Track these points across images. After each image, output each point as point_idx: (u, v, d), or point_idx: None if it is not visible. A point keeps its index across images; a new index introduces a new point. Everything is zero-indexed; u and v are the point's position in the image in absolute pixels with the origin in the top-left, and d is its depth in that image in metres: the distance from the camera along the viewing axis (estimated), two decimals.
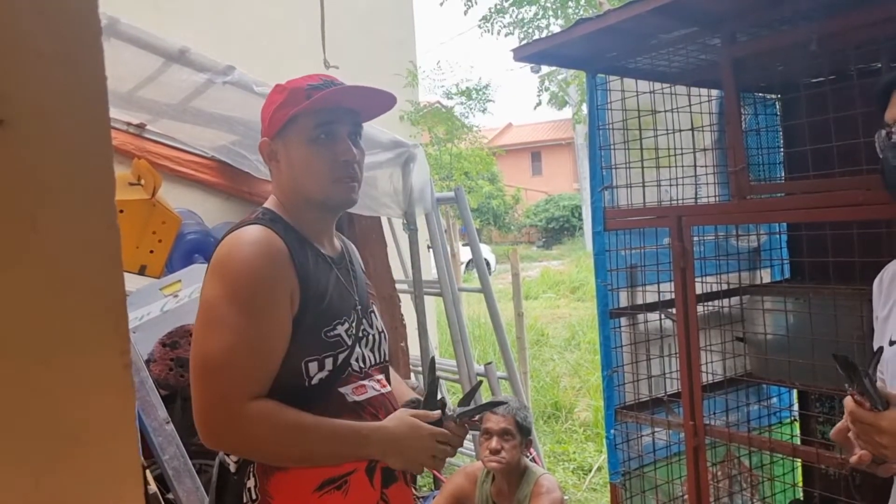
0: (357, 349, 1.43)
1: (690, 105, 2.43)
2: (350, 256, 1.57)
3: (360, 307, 1.48)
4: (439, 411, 1.44)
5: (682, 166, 2.50)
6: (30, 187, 0.73)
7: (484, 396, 3.77)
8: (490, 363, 3.92)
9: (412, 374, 4.15)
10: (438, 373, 4.26)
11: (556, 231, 23.80)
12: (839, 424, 1.31)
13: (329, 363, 1.38)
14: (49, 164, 0.75)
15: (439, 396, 1.48)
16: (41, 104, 0.74)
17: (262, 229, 1.36)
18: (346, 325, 1.43)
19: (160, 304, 3.00)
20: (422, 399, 1.53)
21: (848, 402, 1.24)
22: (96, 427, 0.78)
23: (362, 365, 1.45)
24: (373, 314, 1.54)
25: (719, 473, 2.62)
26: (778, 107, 2.90)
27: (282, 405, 1.30)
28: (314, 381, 1.35)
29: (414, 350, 4.06)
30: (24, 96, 0.73)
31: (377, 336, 1.53)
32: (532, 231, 24.43)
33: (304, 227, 1.44)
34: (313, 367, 1.36)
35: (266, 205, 1.48)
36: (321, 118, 1.40)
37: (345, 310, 1.44)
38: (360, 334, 1.46)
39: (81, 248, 0.77)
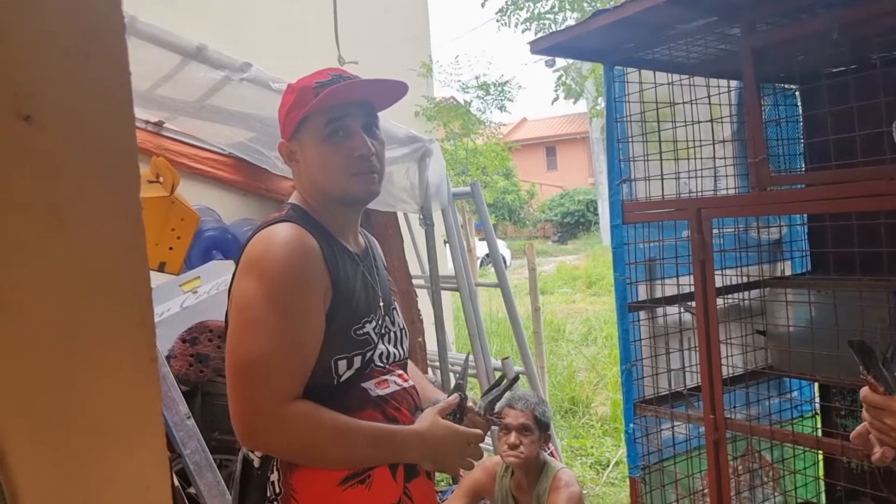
0: (381, 346, 1.43)
1: (709, 96, 2.40)
2: (374, 252, 1.57)
3: (383, 304, 1.48)
4: (457, 396, 1.47)
5: (701, 158, 2.47)
6: (56, 183, 0.74)
7: None
8: (507, 358, 3.91)
9: (429, 369, 4.16)
10: (454, 367, 4.26)
11: (572, 226, 23.73)
12: (859, 428, 1.29)
13: (357, 361, 1.38)
14: (75, 160, 0.76)
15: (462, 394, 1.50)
16: (67, 101, 0.74)
17: (294, 227, 1.35)
18: (374, 323, 1.43)
19: (180, 300, 3.02)
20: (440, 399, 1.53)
21: (863, 389, 1.23)
22: (124, 420, 0.79)
23: (385, 361, 1.44)
24: (395, 311, 1.54)
25: (740, 467, 2.61)
26: (798, 97, 2.86)
27: (319, 406, 1.30)
28: (342, 379, 1.36)
29: (431, 345, 4.06)
30: (50, 93, 0.73)
31: (399, 333, 1.53)
32: (547, 226, 24.37)
33: (331, 223, 1.44)
34: (342, 365, 1.35)
35: (292, 200, 1.47)
36: (331, 115, 1.39)
37: (372, 307, 1.44)
38: (384, 331, 1.46)
39: (107, 243, 0.78)
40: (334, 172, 1.40)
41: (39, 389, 0.73)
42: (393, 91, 1.46)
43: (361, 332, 1.39)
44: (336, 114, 1.39)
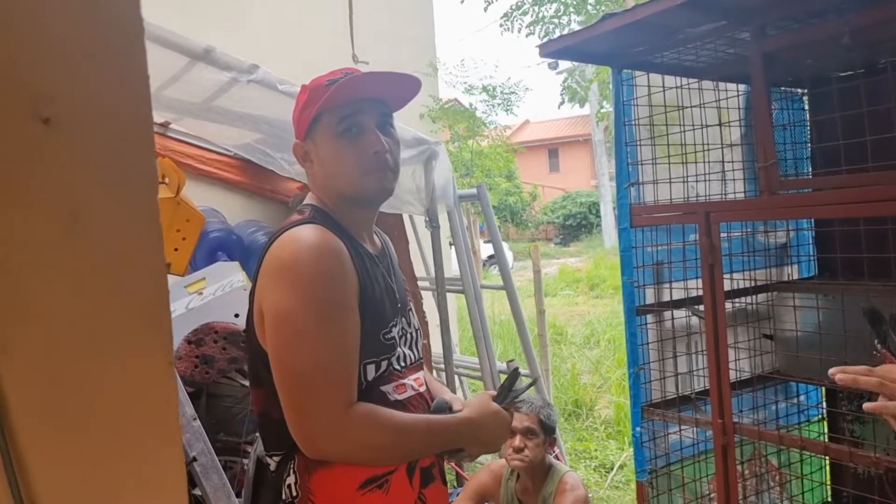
0: (398, 349, 1.42)
1: (718, 100, 2.40)
2: (390, 252, 1.56)
3: (400, 305, 1.47)
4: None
5: (708, 162, 2.47)
6: (74, 186, 0.74)
7: None
8: (512, 360, 3.91)
9: (434, 372, 4.15)
10: (458, 370, 4.26)
11: (574, 228, 23.73)
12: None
13: (384, 365, 1.37)
14: (93, 163, 0.75)
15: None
16: (85, 104, 0.74)
17: (319, 229, 1.32)
18: (399, 327, 1.42)
19: (185, 301, 3.02)
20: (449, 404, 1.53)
21: (883, 367, 1.23)
22: (142, 422, 0.78)
23: (403, 364, 1.43)
24: (410, 312, 1.53)
25: (746, 472, 2.60)
26: (805, 101, 2.86)
27: (376, 407, 1.30)
28: (369, 383, 1.35)
29: (436, 347, 4.06)
30: (69, 96, 0.73)
31: (414, 334, 1.52)
32: (549, 228, 24.37)
33: (349, 224, 1.42)
34: (371, 369, 1.34)
35: (309, 201, 1.45)
36: (344, 112, 1.37)
37: (395, 310, 1.43)
38: (401, 333, 1.45)
39: (125, 245, 0.78)
40: (348, 169, 1.38)
41: (58, 392, 0.73)
42: (406, 87, 1.44)
43: (389, 336, 1.38)
44: (349, 111, 1.37)
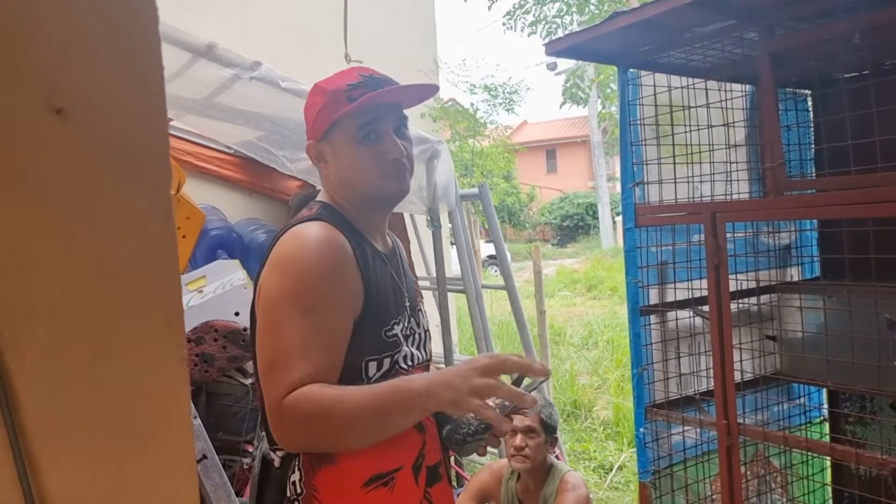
0: (405, 348, 1.42)
1: (723, 101, 2.39)
2: (399, 253, 1.56)
3: (409, 305, 1.48)
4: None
5: (713, 162, 2.46)
6: (87, 179, 0.73)
7: None
8: None
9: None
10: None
11: (571, 229, 23.77)
12: None
13: (387, 363, 1.37)
14: (106, 156, 0.74)
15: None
16: (99, 95, 0.73)
17: (325, 226, 1.34)
18: (401, 325, 1.42)
19: (185, 299, 3.01)
20: None
21: None
22: (154, 420, 0.77)
23: (410, 363, 1.44)
24: (420, 312, 1.54)
25: (748, 473, 2.59)
26: (810, 102, 2.85)
27: (324, 385, 1.21)
28: (370, 381, 1.34)
29: (436, 347, 4.04)
30: (83, 87, 0.72)
31: (423, 335, 1.52)
32: (547, 229, 24.40)
33: (360, 223, 1.43)
34: (372, 366, 1.34)
35: (320, 199, 1.46)
36: (364, 119, 1.38)
37: (399, 308, 1.43)
38: (408, 332, 1.45)
39: (137, 240, 0.76)
40: (367, 174, 1.39)
41: (70, 389, 0.72)
42: (423, 92, 1.48)
43: (391, 333, 1.38)
44: (369, 118, 1.38)
